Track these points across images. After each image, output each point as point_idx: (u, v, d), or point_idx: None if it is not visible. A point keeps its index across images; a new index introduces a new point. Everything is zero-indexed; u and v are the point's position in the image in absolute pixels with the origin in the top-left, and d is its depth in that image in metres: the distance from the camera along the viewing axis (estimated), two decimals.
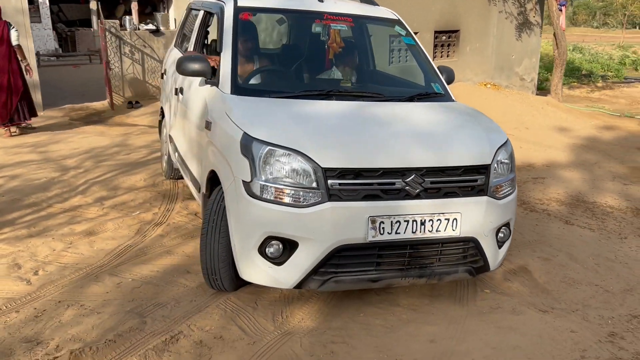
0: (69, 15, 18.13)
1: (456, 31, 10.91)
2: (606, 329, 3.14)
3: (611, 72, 19.97)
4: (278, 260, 2.93)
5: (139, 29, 10.13)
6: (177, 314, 3.11)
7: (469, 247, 3.13)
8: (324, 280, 2.93)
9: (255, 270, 2.99)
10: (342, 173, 2.86)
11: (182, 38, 5.41)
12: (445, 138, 3.20)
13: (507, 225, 3.31)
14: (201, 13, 4.57)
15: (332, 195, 2.84)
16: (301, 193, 2.84)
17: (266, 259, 2.95)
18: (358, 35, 4.42)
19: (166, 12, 13.64)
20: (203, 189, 3.62)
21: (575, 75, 18.78)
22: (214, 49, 4.22)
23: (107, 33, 9.68)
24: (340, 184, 2.85)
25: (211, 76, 3.62)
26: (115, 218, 4.67)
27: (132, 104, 9.98)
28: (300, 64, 3.94)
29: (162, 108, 5.74)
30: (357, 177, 2.88)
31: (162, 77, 5.61)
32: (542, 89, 13.82)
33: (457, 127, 3.34)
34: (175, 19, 10.45)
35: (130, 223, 4.58)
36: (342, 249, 2.87)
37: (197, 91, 3.87)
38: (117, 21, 9.94)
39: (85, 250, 4.02)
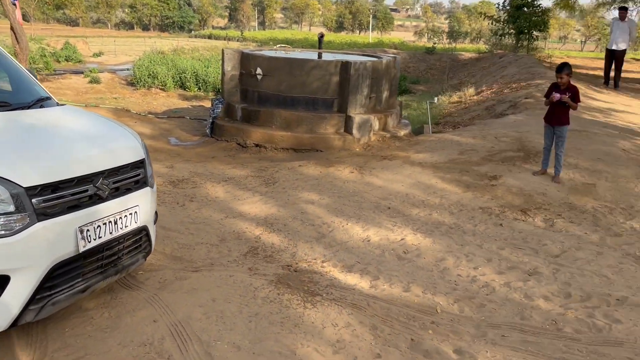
0: None
1: None
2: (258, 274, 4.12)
3: (38, 65, 20.35)
4: None
5: None
6: None
7: (143, 235, 3.47)
8: (41, 307, 2.75)
9: None
10: (43, 189, 2.71)
11: None
12: (109, 139, 3.34)
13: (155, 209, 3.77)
14: None
15: (39, 214, 2.67)
16: (5, 220, 2.55)
17: None
18: None
19: None
20: None
21: None
22: None
23: None
24: (44, 201, 2.70)
25: None
26: None
27: None
28: None
29: None
30: (55, 190, 2.78)
31: None
32: None
33: (108, 129, 3.50)
34: None
35: None
36: (56, 267, 2.76)
37: None
38: None
39: None
